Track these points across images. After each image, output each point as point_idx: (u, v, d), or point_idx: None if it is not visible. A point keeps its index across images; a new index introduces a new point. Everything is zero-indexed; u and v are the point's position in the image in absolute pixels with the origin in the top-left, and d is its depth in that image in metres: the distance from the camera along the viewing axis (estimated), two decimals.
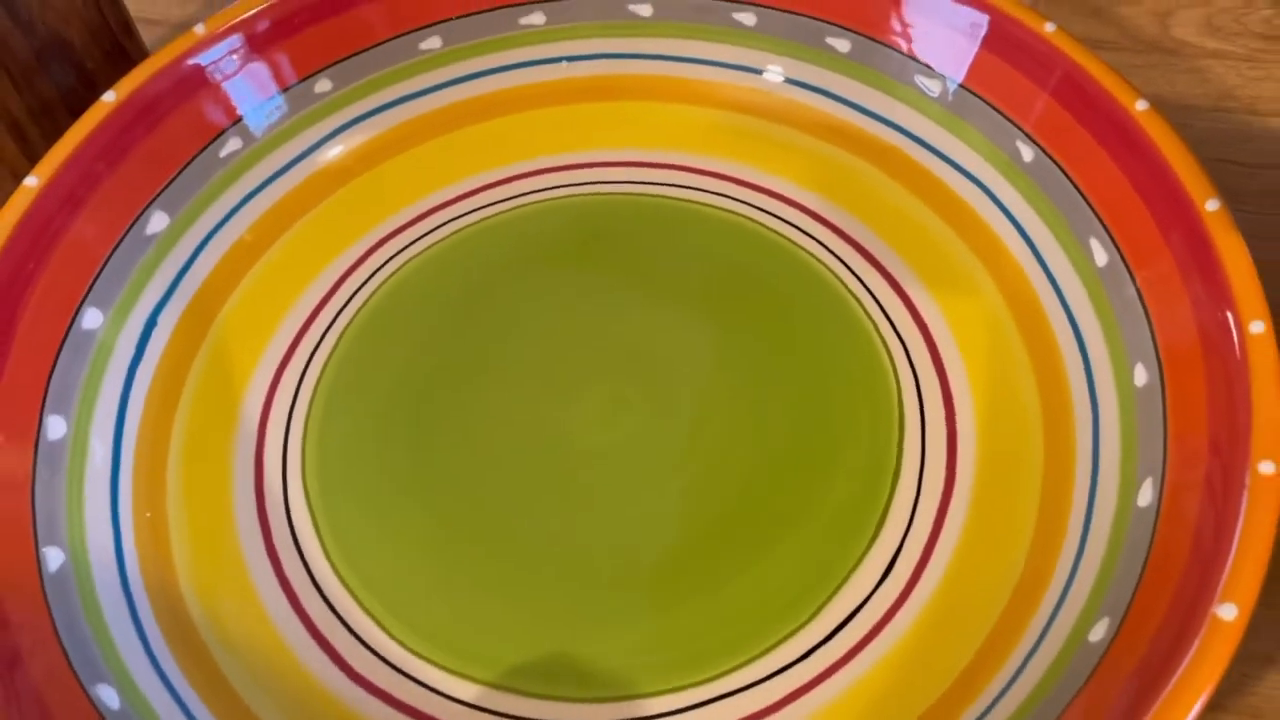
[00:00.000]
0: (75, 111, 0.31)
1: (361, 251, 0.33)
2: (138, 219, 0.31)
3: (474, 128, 0.36)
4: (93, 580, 0.26)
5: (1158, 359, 0.26)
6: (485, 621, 0.27)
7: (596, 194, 0.34)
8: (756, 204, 0.34)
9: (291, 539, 0.28)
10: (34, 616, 0.24)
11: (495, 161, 0.35)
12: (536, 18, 0.36)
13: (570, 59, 0.36)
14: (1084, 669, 0.23)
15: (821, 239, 0.33)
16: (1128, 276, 0.28)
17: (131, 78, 0.31)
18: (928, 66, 0.33)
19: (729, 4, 0.35)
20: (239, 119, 0.33)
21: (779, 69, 0.35)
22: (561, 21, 0.36)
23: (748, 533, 0.27)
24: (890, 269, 0.32)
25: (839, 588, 0.27)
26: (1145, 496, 0.25)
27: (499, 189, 0.34)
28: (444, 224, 0.34)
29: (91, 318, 0.30)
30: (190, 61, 0.32)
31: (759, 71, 0.35)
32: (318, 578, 0.27)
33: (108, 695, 0.24)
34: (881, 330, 0.31)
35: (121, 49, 0.34)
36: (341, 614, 0.27)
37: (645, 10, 0.36)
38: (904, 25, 0.33)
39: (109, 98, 0.30)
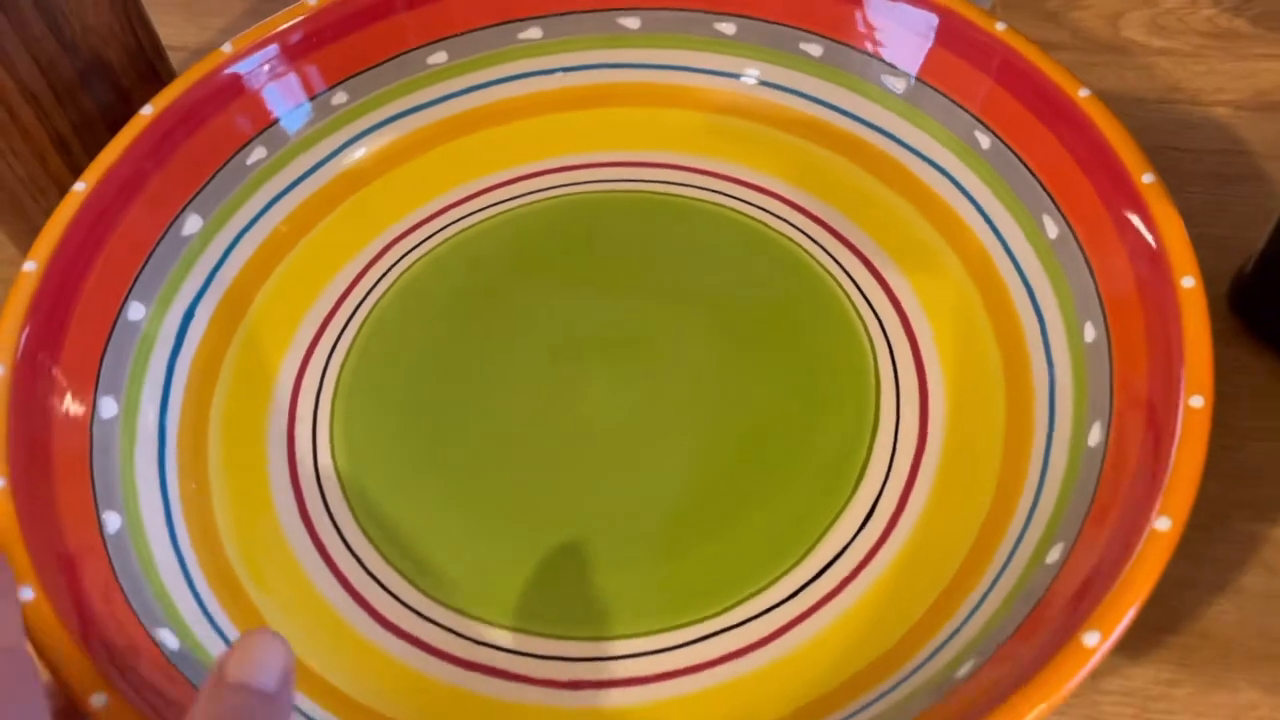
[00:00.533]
0: (114, 127, 0.34)
1: (381, 247, 0.36)
2: (174, 221, 0.34)
3: (480, 134, 0.39)
4: (148, 541, 0.29)
5: (1104, 317, 0.29)
6: (503, 572, 0.29)
7: (594, 192, 0.37)
8: (740, 196, 0.36)
9: (322, 503, 0.31)
10: (103, 572, 0.27)
11: (501, 164, 0.38)
12: (534, 32, 0.39)
13: (566, 69, 0.39)
14: (1042, 585, 0.25)
15: (800, 225, 0.36)
16: (1076, 246, 0.31)
17: (166, 93, 0.34)
18: (891, 65, 0.36)
19: (711, 15, 0.38)
20: (266, 127, 0.36)
21: (756, 73, 0.38)
22: (557, 35, 0.39)
23: (742, 489, 0.30)
24: (863, 249, 0.35)
25: (825, 532, 0.29)
26: (1094, 437, 0.28)
27: (504, 189, 0.37)
28: (455, 221, 0.37)
29: (135, 310, 0.32)
30: (220, 75, 0.35)
31: (739, 76, 0.38)
32: (346, 536, 0.30)
33: (168, 638, 0.26)
34: (856, 304, 0.34)
35: (154, 70, 0.37)
36: (370, 569, 0.29)
37: (634, 23, 0.39)
38: (869, 29, 0.36)
39: (147, 111, 0.33)
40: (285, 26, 0.35)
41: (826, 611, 0.28)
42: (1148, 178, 0.29)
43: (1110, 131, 0.30)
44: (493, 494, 0.31)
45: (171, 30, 0.45)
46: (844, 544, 0.29)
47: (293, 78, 0.36)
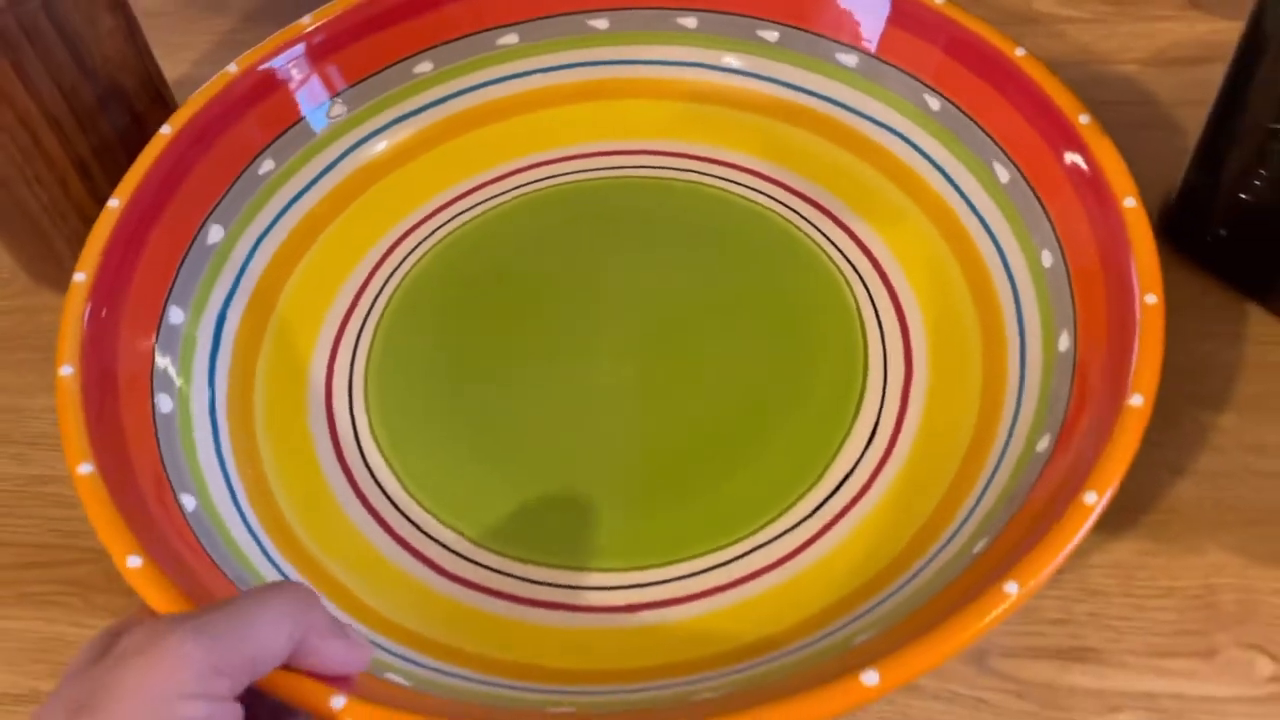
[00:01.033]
0: (130, 150, 0.36)
1: (390, 242, 0.39)
2: (199, 231, 0.36)
3: (466, 136, 0.42)
4: (221, 518, 0.31)
5: (1057, 242, 0.33)
6: (550, 520, 0.32)
7: (584, 180, 0.40)
8: (717, 174, 0.40)
9: (363, 463, 0.34)
10: (192, 546, 0.29)
11: (487, 164, 0.41)
12: (511, 38, 0.42)
13: (544, 70, 0.42)
14: (1036, 469, 0.29)
15: (774, 195, 0.39)
16: (1026, 186, 0.35)
17: (181, 112, 0.36)
18: (844, 44, 0.40)
19: (672, 10, 0.42)
20: (277, 137, 0.38)
21: (720, 60, 0.42)
22: (533, 39, 0.42)
23: (749, 432, 0.34)
24: (835, 212, 0.38)
25: (833, 458, 0.33)
26: (1064, 343, 0.32)
27: (492, 186, 0.40)
28: (462, 213, 0.40)
29: (175, 314, 0.34)
30: (229, 93, 0.37)
31: (704, 65, 0.42)
32: (385, 488, 0.33)
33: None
34: (834, 259, 0.37)
35: (161, 96, 0.39)
36: (403, 510, 0.33)
37: (602, 24, 0.42)
38: (820, 12, 0.40)
39: (166, 130, 0.35)
40: (287, 41, 0.38)
41: (847, 521, 0.31)
42: (1084, 118, 0.33)
43: (1047, 84, 0.34)
44: (521, 451, 0.34)
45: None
46: (852, 464, 0.33)
47: (294, 93, 0.39)
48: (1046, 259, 0.34)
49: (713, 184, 0.40)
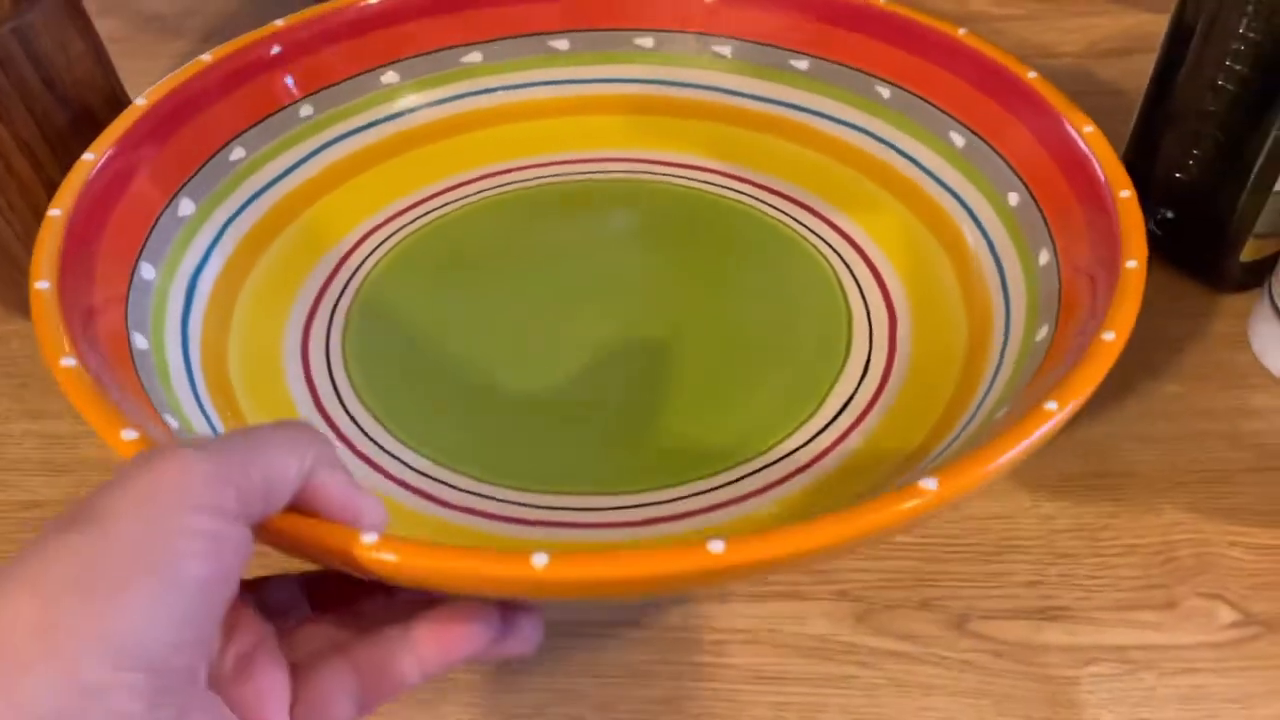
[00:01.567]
0: None
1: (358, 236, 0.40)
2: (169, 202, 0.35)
3: (426, 148, 0.43)
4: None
5: (1022, 183, 0.35)
6: (571, 456, 0.33)
7: (554, 183, 0.42)
8: (685, 176, 0.42)
9: (340, 406, 0.34)
10: None
11: (442, 174, 0.42)
12: (475, 56, 0.43)
13: (506, 89, 0.43)
14: (1042, 350, 0.30)
15: (743, 190, 0.41)
16: (982, 143, 0.37)
17: (158, 89, 0.35)
18: (788, 50, 0.41)
19: (629, 32, 0.43)
20: (249, 128, 0.38)
21: (674, 76, 0.43)
22: (496, 59, 0.43)
23: (741, 376, 0.35)
24: (806, 201, 0.40)
25: (832, 386, 0.34)
26: (1044, 258, 0.33)
27: (453, 192, 0.42)
28: (431, 211, 0.41)
29: (146, 270, 0.33)
30: (196, 80, 0.37)
31: (659, 81, 0.43)
32: (367, 430, 0.34)
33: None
34: (808, 239, 0.39)
35: None
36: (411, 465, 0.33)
37: (563, 45, 0.43)
38: (768, 27, 0.42)
39: (140, 101, 0.35)
40: (260, 40, 0.38)
41: (869, 421, 0.33)
42: (1032, 74, 0.35)
43: (991, 51, 0.36)
44: (525, 390, 0.35)
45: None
46: (854, 386, 0.34)
47: (266, 88, 0.39)
48: (1013, 199, 0.35)
49: (681, 183, 0.42)
